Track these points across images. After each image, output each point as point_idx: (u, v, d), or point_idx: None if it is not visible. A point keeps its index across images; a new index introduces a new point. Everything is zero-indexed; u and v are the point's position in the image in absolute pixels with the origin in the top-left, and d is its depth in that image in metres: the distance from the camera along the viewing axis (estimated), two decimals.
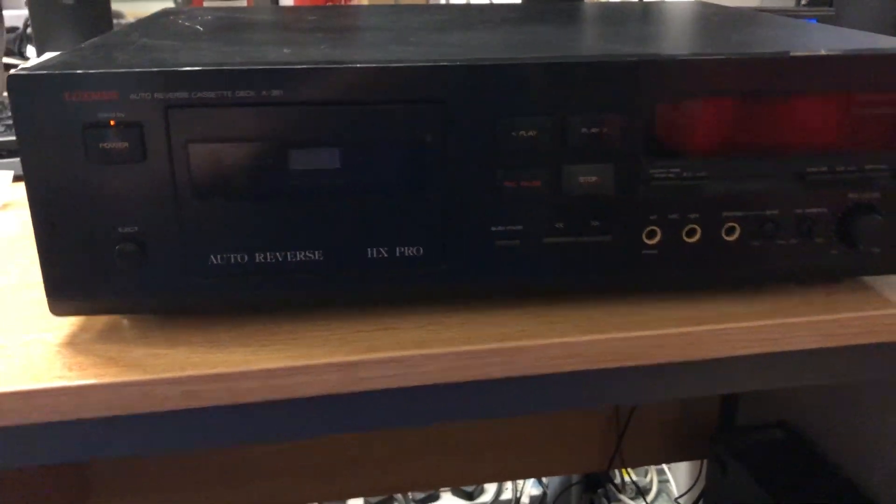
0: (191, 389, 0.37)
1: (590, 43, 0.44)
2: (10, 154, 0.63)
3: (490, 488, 1.48)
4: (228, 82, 0.36)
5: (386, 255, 0.40)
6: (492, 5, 0.67)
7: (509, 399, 0.41)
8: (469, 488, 1.45)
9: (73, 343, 0.39)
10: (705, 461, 1.22)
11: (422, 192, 0.39)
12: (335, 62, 0.37)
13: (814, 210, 0.42)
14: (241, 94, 0.37)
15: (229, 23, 0.54)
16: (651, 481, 1.51)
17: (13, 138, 0.64)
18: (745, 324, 0.41)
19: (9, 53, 1.12)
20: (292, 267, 0.39)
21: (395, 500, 1.44)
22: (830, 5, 1.09)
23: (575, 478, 1.35)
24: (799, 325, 0.42)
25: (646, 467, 1.52)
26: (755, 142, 0.41)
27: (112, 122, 0.36)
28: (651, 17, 0.57)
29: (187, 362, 0.37)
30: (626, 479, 1.43)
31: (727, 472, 1.08)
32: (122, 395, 0.36)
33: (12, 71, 0.35)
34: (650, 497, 1.48)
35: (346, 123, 0.38)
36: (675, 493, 1.45)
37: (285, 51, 0.41)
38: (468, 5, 0.67)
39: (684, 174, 0.40)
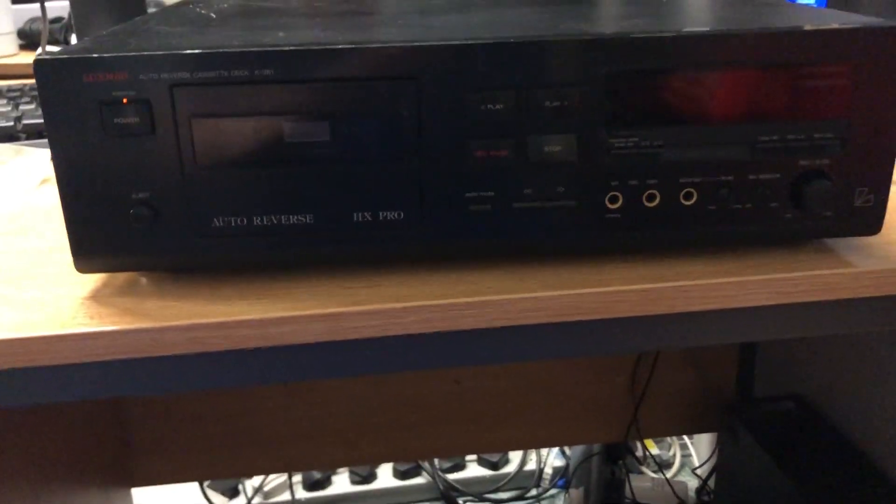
0: (195, 336, 0.42)
1: (554, 22, 0.48)
2: None
3: (514, 459, 1.53)
4: (224, 63, 0.41)
5: (370, 219, 0.44)
6: None
7: (481, 348, 0.45)
8: (494, 458, 1.50)
9: (96, 297, 0.45)
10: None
11: (401, 162, 0.44)
12: (319, 44, 0.41)
13: (767, 176, 0.45)
14: (237, 73, 0.41)
15: (242, 10, 0.59)
16: (674, 455, 1.54)
17: None
18: (702, 281, 0.45)
19: (55, 42, 1.19)
20: (286, 229, 0.44)
21: (423, 468, 1.49)
22: None
23: (596, 448, 1.39)
24: (755, 282, 0.45)
25: (668, 441, 1.55)
26: (709, 112, 0.44)
27: (125, 100, 0.41)
28: None
29: (193, 312, 0.42)
30: (648, 452, 1.46)
31: (739, 442, 1.10)
32: (135, 340, 0.41)
33: (36, 56, 0.41)
34: (672, 471, 1.51)
35: (333, 99, 0.42)
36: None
37: (280, 34, 0.45)
38: None
39: (642, 143, 0.44)
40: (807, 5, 0.57)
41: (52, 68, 0.40)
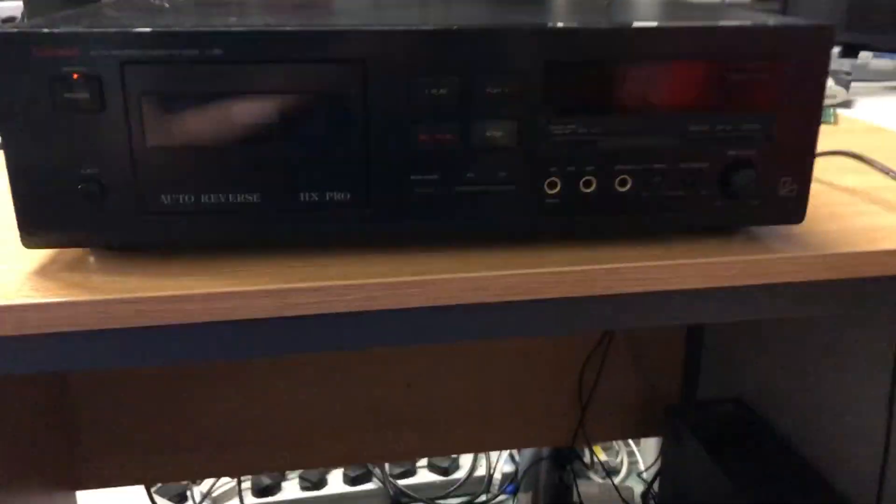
0: (141, 309, 0.42)
1: (501, 15, 0.50)
2: None
3: (464, 465, 1.54)
4: (176, 43, 0.42)
5: (317, 199, 0.46)
6: None
7: (423, 326, 0.46)
8: (444, 464, 1.51)
9: (42, 272, 0.45)
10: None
11: (348, 143, 0.45)
12: (269, 26, 0.43)
13: (697, 165, 0.47)
14: (187, 52, 0.42)
15: (196, 1, 0.60)
16: (621, 462, 1.57)
17: None
18: (636, 263, 0.47)
19: None
20: (233, 208, 0.45)
21: (374, 473, 1.49)
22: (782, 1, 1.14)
23: (545, 453, 1.41)
24: (686, 266, 0.47)
25: (616, 448, 1.58)
26: (643, 103, 0.46)
27: (75, 76, 0.42)
28: None
29: (139, 287, 0.43)
30: (595, 457, 1.49)
31: (682, 444, 1.13)
32: (80, 312, 0.42)
33: None
34: (619, 476, 1.53)
35: (282, 81, 0.43)
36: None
37: (231, 19, 0.46)
38: None
39: (580, 131, 0.46)
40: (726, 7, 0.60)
41: (2, 42, 0.41)
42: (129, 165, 0.44)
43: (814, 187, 0.55)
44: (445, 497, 1.49)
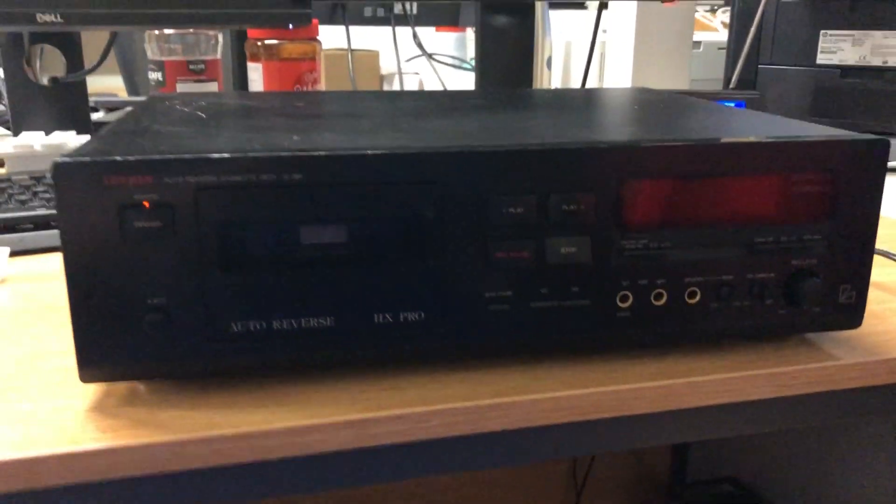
0: (218, 448, 0.40)
1: (562, 129, 0.50)
2: (7, 230, 0.66)
3: None
4: (253, 168, 0.41)
5: (391, 320, 0.44)
6: (456, 92, 0.73)
7: (506, 450, 0.45)
8: None
9: (100, 408, 0.42)
10: None
11: (422, 263, 0.44)
12: (348, 149, 0.42)
13: (762, 275, 0.48)
14: (265, 177, 0.41)
15: (224, 109, 0.59)
16: None
17: (10, 215, 0.66)
18: (712, 376, 0.47)
19: None
20: (306, 332, 0.43)
21: None
22: (755, 89, 1.19)
23: None
24: (758, 377, 0.47)
25: None
26: (710, 216, 0.47)
27: (146, 204, 0.40)
28: (602, 103, 0.64)
29: (212, 423, 0.41)
30: None
31: None
32: (156, 454, 0.39)
33: (56, 159, 0.39)
34: None
35: (356, 202, 0.42)
36: None
37: (294, 138, 0.45)
38: (432, 92, 0.73)
39: (651, 245, 0.46)
40: (756, 112, 0.62)
41: (73, 170, 0.39)
42: (198, 293, 0.42)
43: None
44: None
